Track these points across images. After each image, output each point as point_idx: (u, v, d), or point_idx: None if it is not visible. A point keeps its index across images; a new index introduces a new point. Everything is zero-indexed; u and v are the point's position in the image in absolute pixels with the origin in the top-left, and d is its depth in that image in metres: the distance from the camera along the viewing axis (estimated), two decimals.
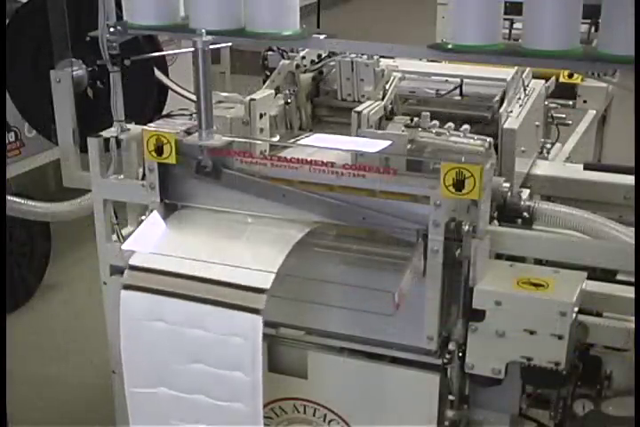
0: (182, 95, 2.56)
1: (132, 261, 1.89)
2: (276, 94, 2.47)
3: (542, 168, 2.57)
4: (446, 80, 2.60)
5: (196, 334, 1.83)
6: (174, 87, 2.58)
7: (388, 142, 2.05)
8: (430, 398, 1.95)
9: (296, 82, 2.53)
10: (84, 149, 2.29)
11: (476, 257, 1.84)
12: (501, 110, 2.31)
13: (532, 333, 1.83)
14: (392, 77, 2.51)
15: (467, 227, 1.80)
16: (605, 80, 2.83)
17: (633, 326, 1.86)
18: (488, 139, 2.12)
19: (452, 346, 1.90)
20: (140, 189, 2.08)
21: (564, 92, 3.14)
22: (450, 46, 1.86)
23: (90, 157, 2.18)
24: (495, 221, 2.01)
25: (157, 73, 2.52)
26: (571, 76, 3.21)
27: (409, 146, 2.08)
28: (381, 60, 2.48)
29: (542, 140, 2.73)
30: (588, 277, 1.90)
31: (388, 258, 1.87)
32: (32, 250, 3.86)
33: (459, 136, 2.15)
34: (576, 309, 1.83)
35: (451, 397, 1.95)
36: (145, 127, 2.00)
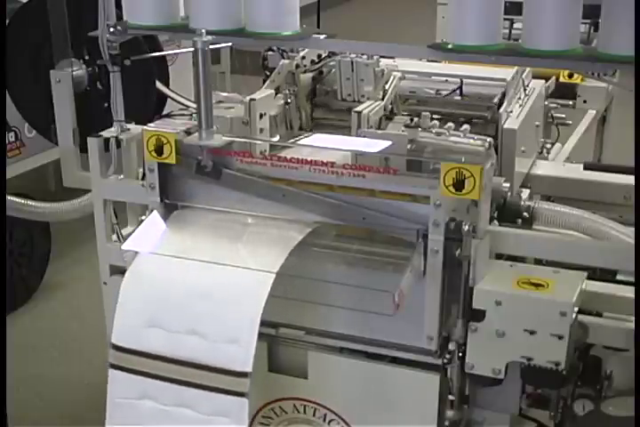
0: (183, 104, 2.55)
1: (115, 341, 1.89)
2: (276, 94, 2.47)
3: (542, 168, 2.57)
4: (446, 80, 2.59)
5: (183, 413, 1.85)
6: (174, 96, 2.58)
7: (388, 142, 2.05)
8: (430, 398, 1.94)
9: (296, 82, 2.53)
10: (83, 149, 2.29)
11: (476, 257, 1.84)
12: (501, 110, 2.31)
13: (532, 333, 1.83)
14: (392, 77, 2.51)
15: (467, 227, 1.80)
16: (605, 80, 2.83)
17: (633, 326, 1.85)
18: (488, 139, 2.12)
19: (452, 346, 1.90)
20: (140, 189, 2.08)
21: (564, 92, 3.14)
22: (450, 46, 1.86)
23: (90, 157, 2.18)
24: (495, 221, 2.01)
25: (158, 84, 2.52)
26: (571, 76, 3.21)
27: (409, 146, 2.08)
28: (381, 60, 2.48)
29: (542, 140, 2.73)
30: (588, 278, 1.90)
31: (388, 258, 1.87)
32: (32, 250, 3.85)
33: (459, 136, 2.15)
34: (576, 309, 1.83)
35: (451, 397, 1.95)
36: (145, 127, 2.00)
